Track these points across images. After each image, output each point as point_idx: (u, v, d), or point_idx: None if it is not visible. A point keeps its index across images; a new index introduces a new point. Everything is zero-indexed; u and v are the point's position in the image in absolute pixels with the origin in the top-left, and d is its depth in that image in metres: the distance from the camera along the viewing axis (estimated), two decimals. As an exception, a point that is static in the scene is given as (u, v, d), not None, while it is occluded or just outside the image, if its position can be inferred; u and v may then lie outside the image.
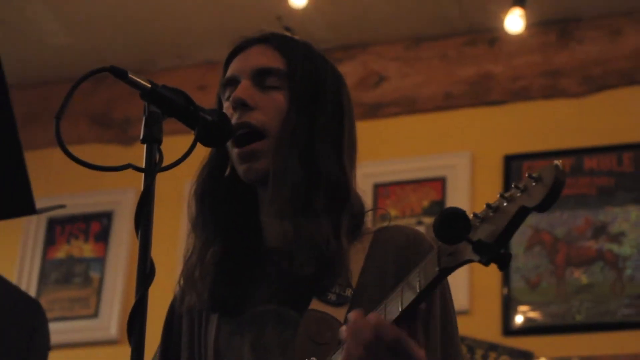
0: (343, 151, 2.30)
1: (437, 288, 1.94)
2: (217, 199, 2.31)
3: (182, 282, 2.32)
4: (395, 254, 2.24)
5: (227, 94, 2.33)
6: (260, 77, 2.29)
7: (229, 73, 2.35)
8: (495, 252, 1.78)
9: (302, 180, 2.22)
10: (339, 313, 2.14)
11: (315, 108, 2.30)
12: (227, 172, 2.32)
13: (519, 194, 1.76)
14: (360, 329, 1.88)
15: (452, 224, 1.78)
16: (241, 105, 2.25)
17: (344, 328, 1.92)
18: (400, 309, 1.91)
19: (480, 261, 1.79)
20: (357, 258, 2.23)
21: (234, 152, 2.27)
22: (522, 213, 1.76)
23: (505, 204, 1.78)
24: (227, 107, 2.30)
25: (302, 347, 2.12)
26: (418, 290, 1.89)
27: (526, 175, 1.75)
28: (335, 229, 2.21)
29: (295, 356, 2.11)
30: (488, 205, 1.81)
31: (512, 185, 1.77)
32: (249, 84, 2.28)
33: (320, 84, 2.33)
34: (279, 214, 2.21)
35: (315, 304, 2.16)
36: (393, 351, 1.87)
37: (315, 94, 2.31)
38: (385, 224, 2.37)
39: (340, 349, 1.96)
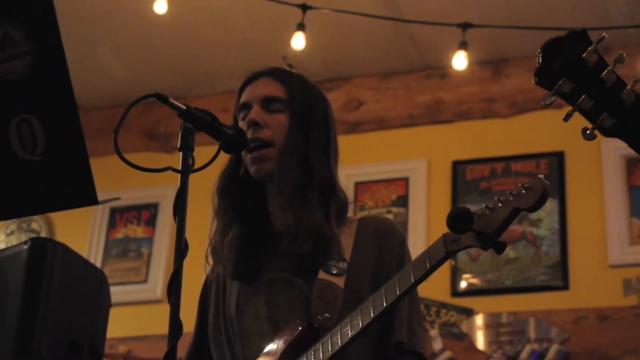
0: (330, 156, 2.30)
1: (439, 267, 1.93)
2: (233, 193, 2.32)
3: (208, 256, 2.33)
4: (375, 237, 2.26)
5: (242, 115, 2.33)
6: (267, 102, 2.29)
7: (242, 99, 2.34)
8: (493, 240, 1.82)
9: (301, 180, 2.22)
10: (339, 281, 2.16)
11: (309, 125, 2.29)
12: (241, 172, 2.32)
13: (511, 198, 1.80)
14: None
15: (459, 218, 1.80)
16: (254, 125, 2.25)
17: None
18: (412, 280, 1.93)
19: (481, 247, 1.83)
20: (347, 240, 2.24)
21: (247, 157, 2.27)
22: (515, 212, 1.79)
23: (500, 205, 1.81)
24: (242, 125, 2.30)
25: (316, 305, 2.13)
26: (428, 267, 1.91)
27: (519, 184, 1.79)
28: (327, 216, 2.21)
29: (312, 313, 2.12)
30: (486, 206, 1.83)
31: (507, 192, 1.80)
32: (259, 108, 2.28)
33: (312, 107, 2.32)
34: (283, 206, 2.22)
35: (322, 275, 2.17)
36: None
37: (309, 114, 2.30)
38: (365, 213, 2.40)
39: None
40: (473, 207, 1.85)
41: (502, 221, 1.80)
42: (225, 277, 2.34)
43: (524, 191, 1.77)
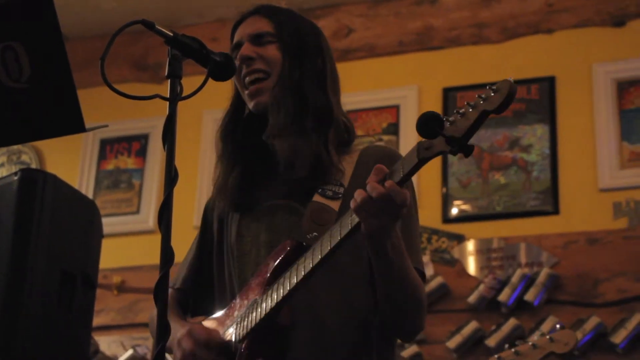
0: (327, 84, 2.34)
1: (414, 174, 1.94)
2: (235, 135, 2.37)
3: (213, 197, 2.41)
4: (374, 165, 2.25)
5: (235, 55, 2.36)
6: (257, 38, 2.35)
7: (235, 40, 2.40)
8: (462, 144, 1.80)
9: (294, 109, 2.26)
10: (334, 204, 2.21)
11: (301, 55, 2.33)
12: (247, 111, 2.38)
13: (481, 102, 1.78)
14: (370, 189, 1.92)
15: (430, 122, 1.80)
16: (246, 60, 2.31)
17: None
18: None
19: (451, 151, 1.82)
20: (348, 167, 2.28)
21: (245, 93, 2.33)
22: (484, 115, 1.77)
23: (470, 110, 1.79)
24: (238, 65, 2.33)
25: (307, 226, 2.18)
26: (402, 175, 1.92)
27: (487, 87, 1.77)
28: (324, 143, 2.25)
29: (302, 233, 2.16)
30: (457, 111, 1.82)
31: (476, 95, 1.78)
32: (249, 45, 2.34)
33: (303, 37, 2.36)
34: (278, 135, 2.26)
35: (317, 197, 2.22)
36: (388, 201, 1.92)
37: (300, 45, 2.34)
38: (369, 144, 2.44)
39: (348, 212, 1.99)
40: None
41: (470, 125, 1.79)
42: (227, 213, 2.40)
43: (492, 93, 1.76)
